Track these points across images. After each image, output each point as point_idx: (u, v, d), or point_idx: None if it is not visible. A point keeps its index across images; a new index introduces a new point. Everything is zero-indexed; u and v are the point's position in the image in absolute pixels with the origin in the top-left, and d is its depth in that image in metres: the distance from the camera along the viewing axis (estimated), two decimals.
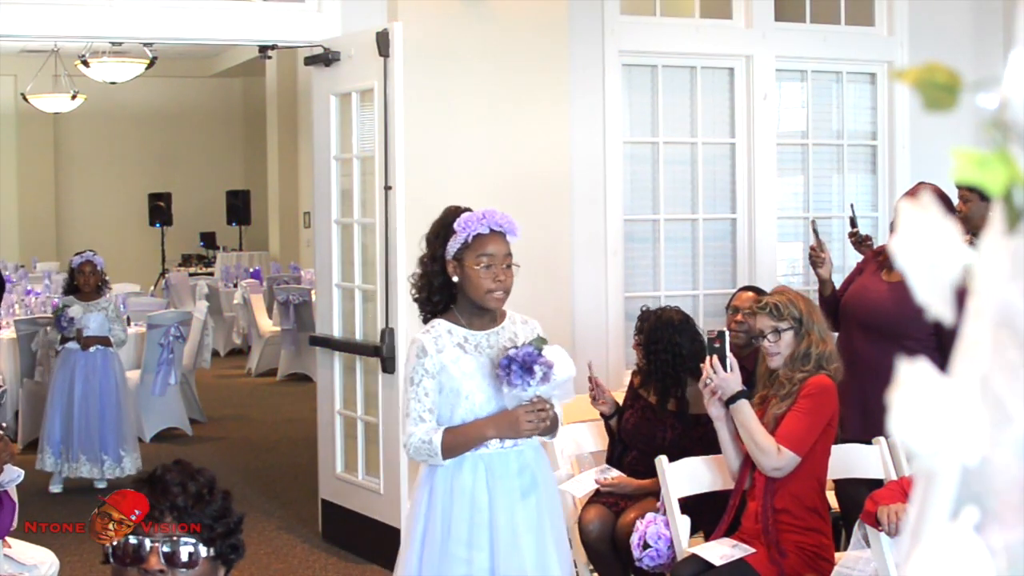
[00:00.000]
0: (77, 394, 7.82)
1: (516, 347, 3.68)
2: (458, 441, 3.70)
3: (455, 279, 3.77)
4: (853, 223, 6.07)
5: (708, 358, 4.33)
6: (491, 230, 3.75)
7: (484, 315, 3.82)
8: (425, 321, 3.87)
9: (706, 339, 4.42)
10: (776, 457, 4.23)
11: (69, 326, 7.76)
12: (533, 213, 6.80)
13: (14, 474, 4.14)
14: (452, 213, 3.88)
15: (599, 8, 7.04)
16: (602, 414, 5.28)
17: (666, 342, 5.09)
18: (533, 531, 3.75)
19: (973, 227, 5.17)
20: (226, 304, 14.54)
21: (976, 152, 0.90)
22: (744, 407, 4.28)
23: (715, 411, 4.37)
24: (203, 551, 2.30)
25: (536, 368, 3.61)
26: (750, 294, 5.44)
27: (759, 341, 4.46)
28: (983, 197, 5.22)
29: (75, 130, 18.54)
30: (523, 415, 3.66)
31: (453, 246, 3.77)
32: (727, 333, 4.40)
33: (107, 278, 8.24)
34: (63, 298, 7.88)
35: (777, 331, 4.36)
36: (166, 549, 2.27)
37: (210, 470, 2.46)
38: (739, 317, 5.36)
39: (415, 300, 3.91)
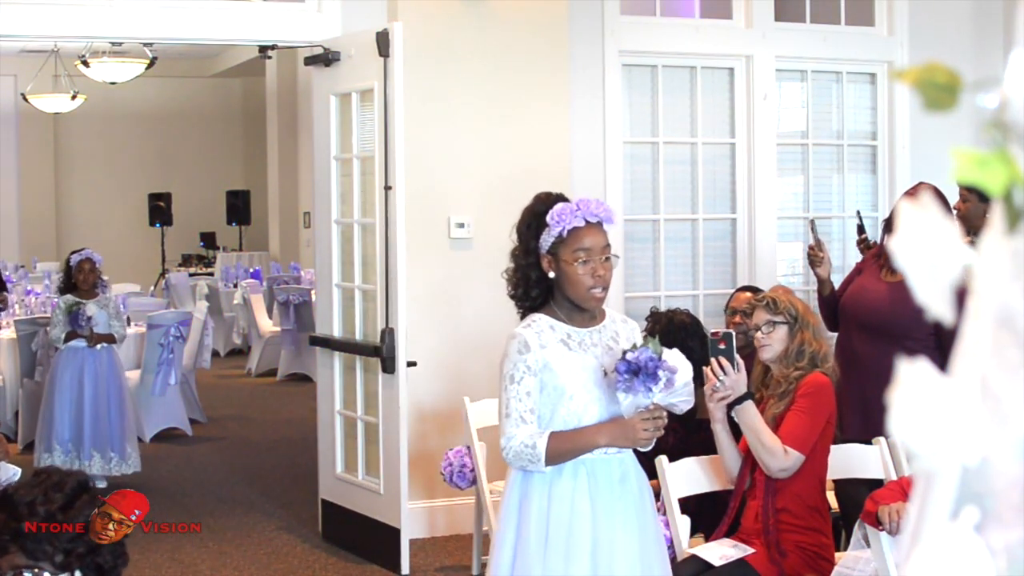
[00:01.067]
0: (87, 392, 7.82)
1: (633, 349, 3.39)
2: (564, 448, 3.43)
3: (551, 275, 3.52)
4: (861, 229, 6.09)
5: (713, 359, 4.28)
6: (586, 222, 3.48)
7: (584, 312, 3.57)
8: (523, 316, 3.62)
9: (709, 340, 4.36)
10: (783, 458, 4.23)
11: (87, 324, 7.76)
12: None
13: (10, 472, 4.14)
14: (543, 201, 3.58)
15: (599, 8, 7.05)
16: None
17: (678, 346, 5.07)
18: (635, 543, 3.50)
19: (972, 227, 5.17)
20: (226, 304, 14.54)
21: (976, 152, 0.90)
22: (750, 408, 4.27)
23: (719, 413, 4.35)
24: None
25: (660, 374, 3.35)
26: (748, 295, 5.43)
27: (752, 334, 4.47)
28: (982, 197, 5.22)
29: (75, 130, 18.54)
30: (640, 423, 3.40)
31: (547, 240, 3.51)
32: (733, 334, 4.35)
33: (104, 276, 8.24)
34: (63, 297, 7.87)
35: (772, 323, 4.38)
36: None
37: (79, 475, 2.28)
38: (737, 319, 5.35)
39: (511, 297, 3.64)
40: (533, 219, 3.55)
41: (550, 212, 3.49)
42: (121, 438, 7.93)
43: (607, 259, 3.51)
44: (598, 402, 3.49)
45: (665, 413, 3.46)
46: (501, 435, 3.49)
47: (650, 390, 3.36)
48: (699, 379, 4.95)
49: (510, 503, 3.51)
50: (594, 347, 3.54)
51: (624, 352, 3.39)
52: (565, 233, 3.46)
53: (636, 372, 3.34)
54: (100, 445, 7.85)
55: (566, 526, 3.43)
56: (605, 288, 3.51)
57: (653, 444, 3.50)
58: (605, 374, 3.48)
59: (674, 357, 3.43)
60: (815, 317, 4.57)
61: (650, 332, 5.27)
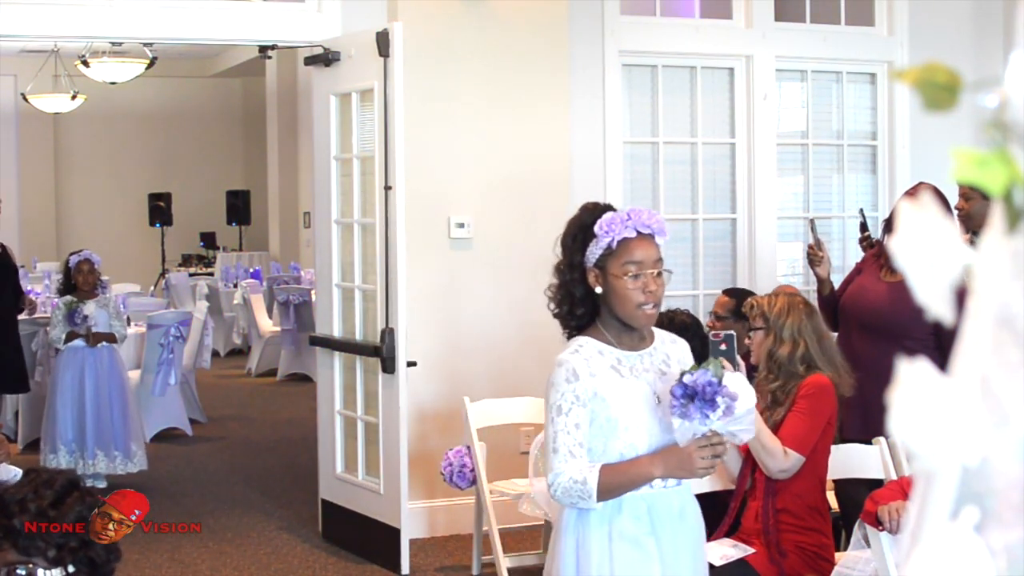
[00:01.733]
0: (89, 391, 7.82)
1: (691, 371, 3.12)
2: (617, 481, 3.16)
3: (598, 290, 3.25)
4: (864, 227, 6.09)
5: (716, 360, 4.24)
6: (638, 233, 3.21)
7: (633, 332, 3.31)
8: (569, 337, 3.36)
9: (711, 340, 4.31)
10: (783, 459, 4.23)
11: (83, 323, 7.77)
12: (533, 213, 6.81)
13: (11, 473, 4.13)
14: (589, 212, 3.32)
15: (599, 8, 7.05)
16: None
17: None
18: None
19: (975, 225, 5.17)
20: (226, 304, 14.54)
21: (976, 152, 0.90)
22: None
23: None
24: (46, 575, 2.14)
25: (719, 400, 3.07)
26: (726, 298, 5.43)
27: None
28: (985, 196, 5.21)
29: (75, 130, 18.54)
30: (697, 452, 3.12)
31: (594, 252, 3.24)
32: (735, 335, 4.33)
33: (104, 277, 8.25)
34: (63, 298, 7.87)
35: (751, 329, 4.44)
36: None
37: (69, 473, 2.28)
38: (709, 322, 5.35)
39: (555, 316, 3.38)
40: (579, 230, 3.29)
41: (598, 222, 3.23)
42: (125, 437, 7.93)
43: (659, 274, 3.24)
44: (651, 432, 3.24)
45: (725, 441, 3.17)
46: (548, 471, 3.23)
47: (707, 416, 3.08)
48: None
49: (566, 547, 3.24)
50: (646, 372, 3.29)
51: (682, 374, 3.14)
52: (615, 244, 3.20)
53: (692, 397, 3.09)
54: (103, 444, 7.85)
55: (632, 567, 3.20)
56: (656, 305, 3.26)
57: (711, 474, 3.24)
58: (658, 401, 3.23)
59: (735, 382, 3.13)
60: (799, 317, 4.46)
61: None
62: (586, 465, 3.17)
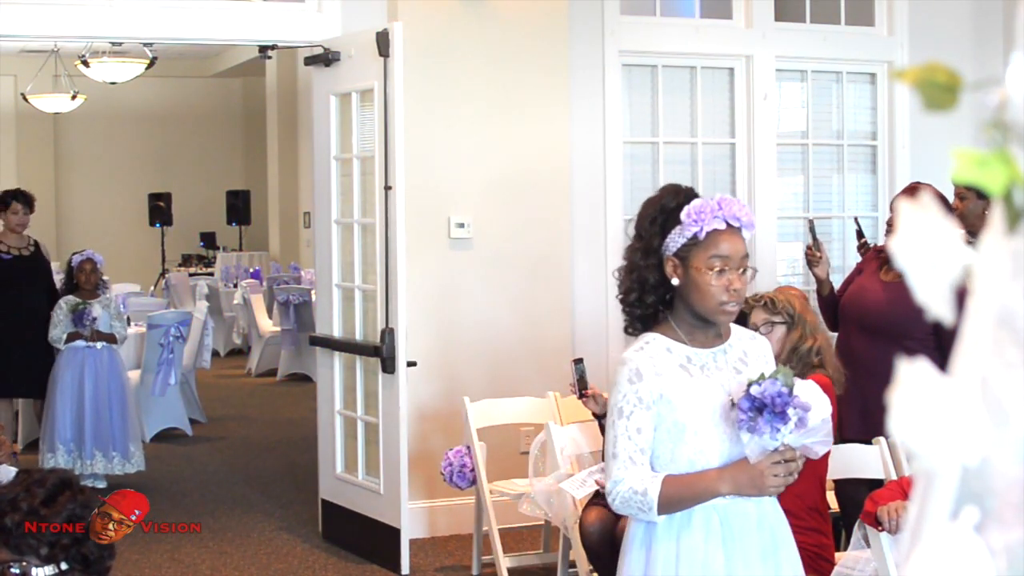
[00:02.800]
0: (88, 392, 7.83)
1: (759, 382, 2.88)
2: (680, 495, 2.92)
3: (674, 282, 2.99)
4: (860, 235, 6.12)
5: None
6: (728, 225, 2.95)
7: (708, 328, 3.05)
8: (634, 333, 3.08)
9: None
10: None
11: (90, 324, 7.77)
12: (533, 213, 6.81)
13: (10, 474, 4.13)
14: (672, 194, 3.04)
15: (599, 8, 7.05)
16: (594, 414, 5.26)
17: None
18: None
19: (969, 225, 5.17)
20: (226, 304, 14.54)
21: (976, 152, 0.90)
22: None
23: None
24: (39, 573, 2.15)
25: (790, 412, 2.84)
26: None
27: None
28: (980, 195, 5.22)
29: (75, 130, 18.54)
30: (769, 470, 2.88)
31: (676, 240, 2.98)
32: None
33: (105, 276, 8.26)
34: (65, 298, 7.86)
35: (770, 323, 4.43)
36: None
37: (62, 472, 2.30)
38: None
39: (622, 302, 3.09)
40: (660, 214, 3.01)
41: (686, 209, 2.96)
42: (123, 437, 7.93)
43: (744, 271, 2.99)
44: (722, 439, 2.96)
45: (799, 456, 2.94)
46: (607, 478, 2.99)
47: (777, 430, 2.85)
48: None
49: (633, 562, 3.01)
50: (719, 371, 3.02)
51: (748, 385, 2.89)
52: (702, 235, 2.94)
53: (761, 410, 2.85)
54: (102, 444, 7.85)
55: None
56: (739, 304, 3.02)
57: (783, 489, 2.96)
58: (732, 404, 2.94)
59: (808, 391, 2.90)
60: (812, 315, 4.61)
61: None
62: (649, 475, 2.94)
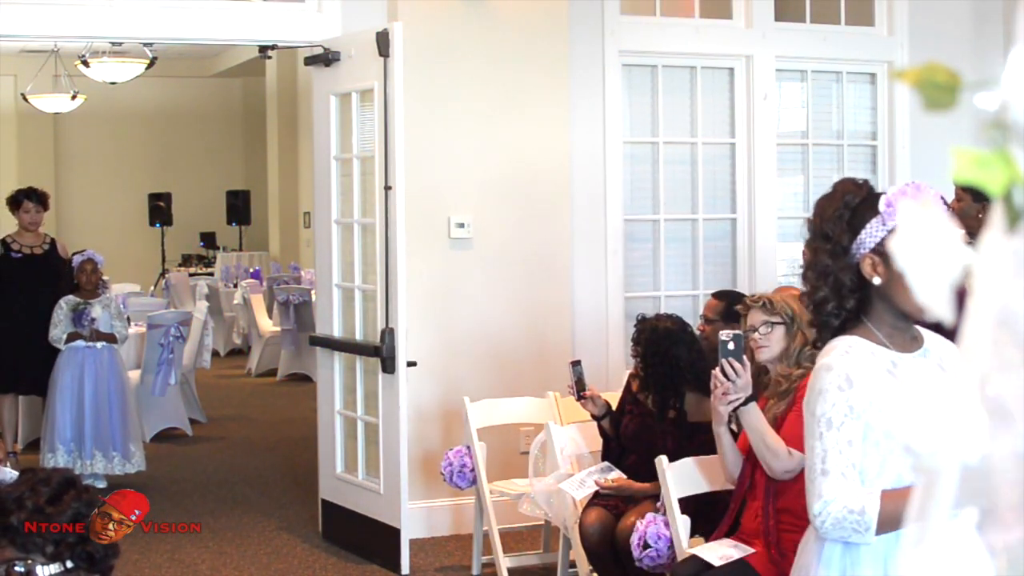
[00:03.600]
0: (88, 392, 7.82)
1: None
2: (900, 511, 2.59)
3: (876, 281, 2.74)
4: None
5: (723, 360, 4.20)
6: None
7: (907, 330, 2.81)
8: (831, 337, 2.83)
9: (720, 341, 4.27)
10: (787, 460, 4.22)
11: (90, 324, 7.78)
12: (533, 213, 6.81)
13: (8, 475, 4.13)
14: (853, 191, 2.82)
15: (599, 8, 7.05)
16: (592, 415, 5.26)
17: (663, 354, 5.02)
18: None
19: (964, 226, 5.17)
20: (226, 304, 14.54)
21: (976, 152, 0.90)
22: (754, 409, 4.24)
23: (724, 416, 4.30)
24: (44, 572, 2.16)
25: None
26: (715, 301, 5.39)
27: (750, 336, 4.46)
28: (976, 197, 5.23)
29: (75, 130, 18.54)
30: None
31: (875, 234, 2.73)
32: (743, 335, 4.31)
33: (105, 276, 8.26)
34: (65, 298, 7.86)
35: (769, 324, 4.39)
36: None
37: (66, 471, 2.30)
38: (700, 326, 5.33)
39: (816, 312, 2.84)
40: (846, 210, 2.78)
41: (884, 198, 2.73)
42: (123, 437, 7.93)
43: None
44: None
45: None
46: (815, 498, 2.73)
47: None
48: (694, 384, 4.98)
49: None
50: (924, 376, 2.78)
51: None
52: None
53: None
54: (102, 444, 7.85)
55: None
56: None
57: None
58: None
59: None
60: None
61: (635, 340, 5.20)
62: (863, 492, 2.68)
